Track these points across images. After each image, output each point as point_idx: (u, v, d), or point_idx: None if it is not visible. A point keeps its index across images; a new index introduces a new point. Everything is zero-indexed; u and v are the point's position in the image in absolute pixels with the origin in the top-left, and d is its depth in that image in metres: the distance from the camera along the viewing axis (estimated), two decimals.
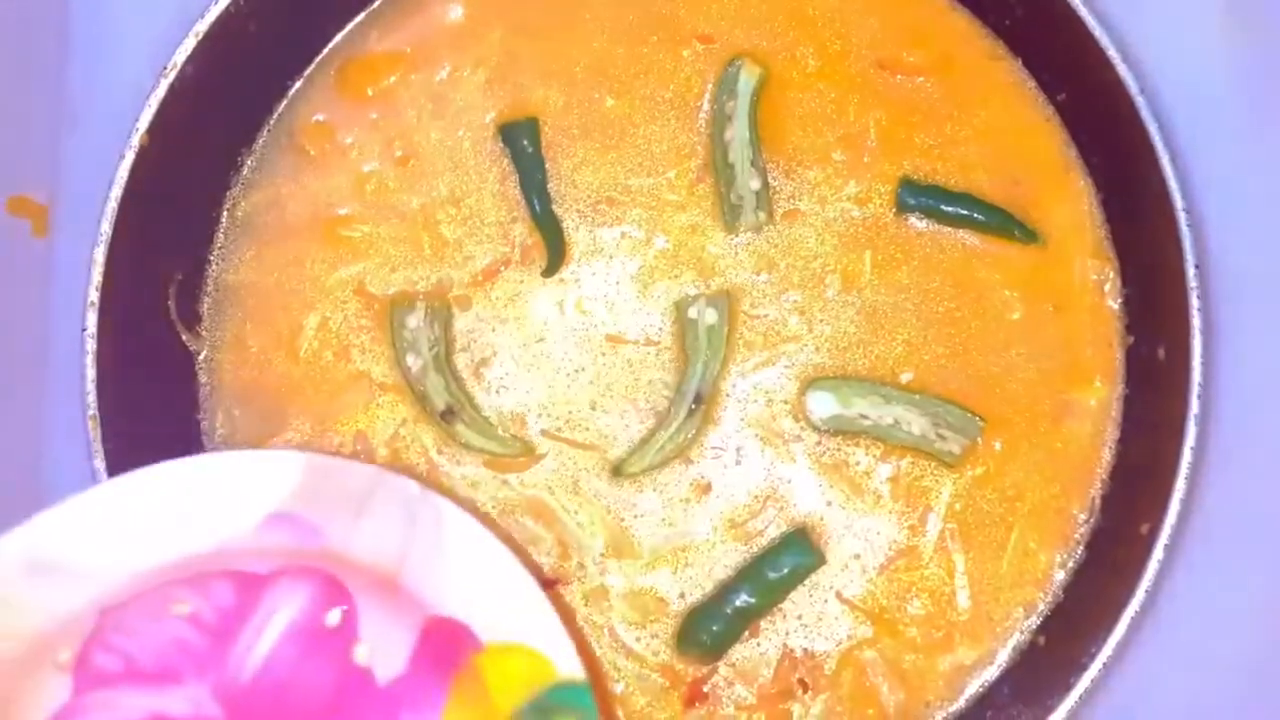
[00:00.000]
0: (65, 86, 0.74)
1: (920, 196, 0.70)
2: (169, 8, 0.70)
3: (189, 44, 0.67)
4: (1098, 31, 0.66)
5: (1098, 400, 0.69)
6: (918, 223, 0.71)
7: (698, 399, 0.69)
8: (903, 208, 0.70)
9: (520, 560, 0.60)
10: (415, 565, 0.60)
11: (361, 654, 0.60)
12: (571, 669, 0.59)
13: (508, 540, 0.61)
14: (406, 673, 0.60)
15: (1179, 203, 0.65)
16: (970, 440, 0.68)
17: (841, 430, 0.69)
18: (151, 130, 0.66)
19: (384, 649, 0.60)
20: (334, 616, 0.60)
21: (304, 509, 0.60)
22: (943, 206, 0.70)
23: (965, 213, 0.70)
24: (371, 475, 0.60)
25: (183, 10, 0.68)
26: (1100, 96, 0.67)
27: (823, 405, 0.69)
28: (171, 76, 0.66)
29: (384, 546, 0.60)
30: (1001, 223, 0.70)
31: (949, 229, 0.70)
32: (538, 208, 0.71)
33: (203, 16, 0.67)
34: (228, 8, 0.67)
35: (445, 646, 0.60)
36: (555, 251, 0.70)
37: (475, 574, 0.60)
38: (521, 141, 0.71)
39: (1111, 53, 0.66)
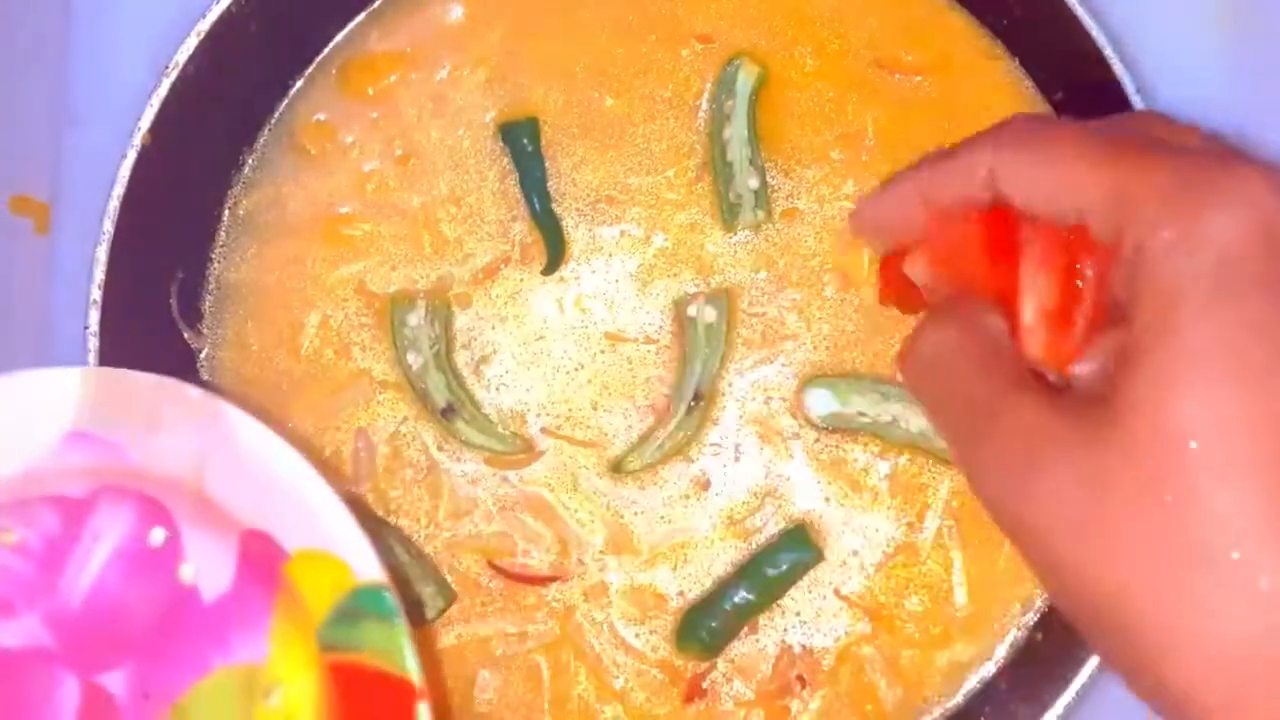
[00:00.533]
0: (67, 85, 0.74)
1: None
2: (170, 7, 0.70)
3: (190, 44, 0.67)
4: (1094, 31, 0.66)
5: None
6: None
7: (697, 397, 0.69)
8: None
9: (311, 464, 0.59)
10: (216, 477, 0.59)
11: (187, 573, 0.60)
12: (369, 572, 0.58)
13: (305, 450, 0.60)
14: (231, 589, 0.59)
15: None
16: None
17: (840, 428, 0.69)
18: (153, 129, 0.66)
19: (208, 567, 0.60)
20: (157, 536, 0.60)
21: (99, 426, 0.60)
22: None
23: None
24: (155, 383, 0.60)
25: (184, 10, 0.68)
26: (1097, 96, 0.67)
27: (821, 403, 0.69)
28: (173, 76, 0.67)
29: (182, 458, 0.60)
30: None
31: None
32: (537, 206, 0.71)
33: (204, 16, 0.67)
34: (229, 8, 0.67)
35: (262, 559, 0.59)
36: (555, 250, 0.71)
37: (269, 481, 0.59)
38: (521, 141, 0.71)
39: (1108, 52, 0.66)
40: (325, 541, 0.58)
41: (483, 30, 0.73)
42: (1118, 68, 0.66)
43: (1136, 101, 0.66)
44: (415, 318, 0.70)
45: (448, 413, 0.69)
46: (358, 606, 0.58)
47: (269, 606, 0.59)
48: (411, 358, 0.70)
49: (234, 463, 0.59)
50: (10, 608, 0.60)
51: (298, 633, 0.58)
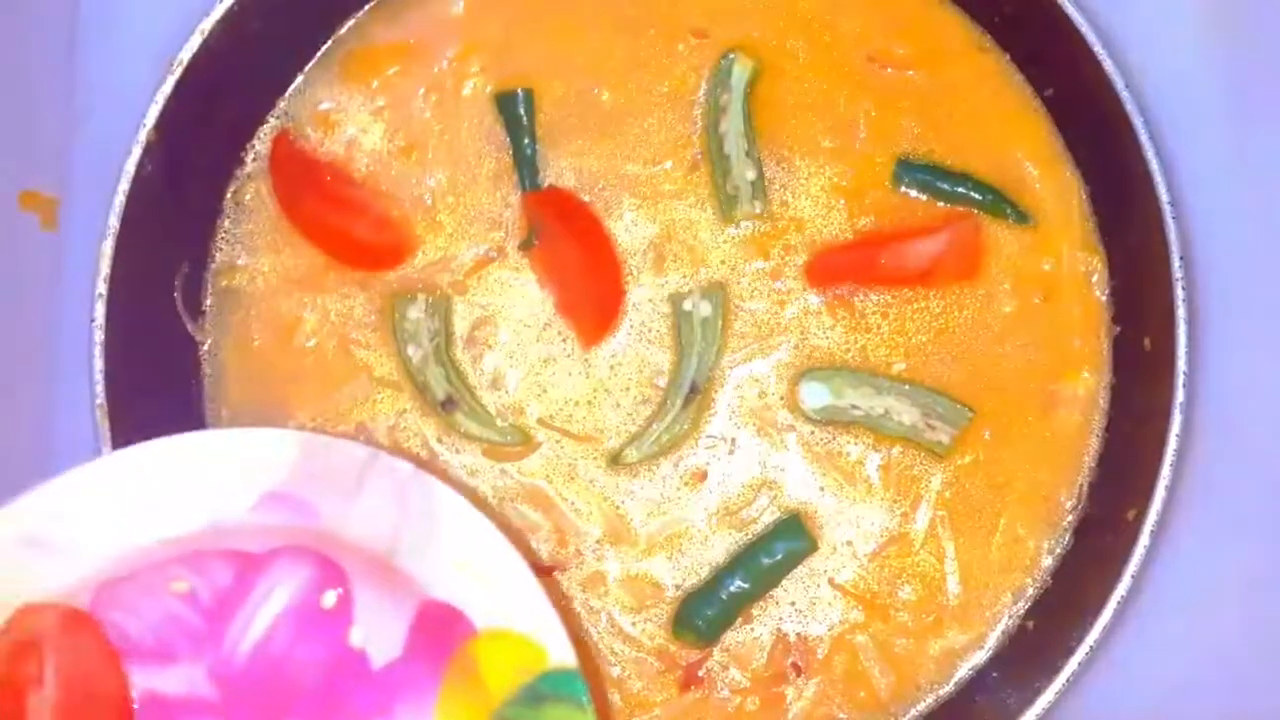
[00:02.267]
0: (74, 83, 0.75)
1: (916, 173, 0.71)
2: (175, 6, 0.70)
3: (194, 41, 0.67)
4: (1084, 28, 0.66)
5: (1085, 390, 0.70)
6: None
7: (693, 390, 0.70)
8: (898, 182, 0.71)
9: (514, 546, 0.60)
10: (409, 547, 0.60)
11: (357, 637, 0.61)
12: (563, 656, 0.59)
13: (503, 526, 0.61)
14: (401, 657, 0.60)
15: (1164, 196, 0.66)
16: (960, 431, 0.69)
17: (834, 420, 0.70)
18: (158, 125, 0.67)
19: (379, 632, 0.60)
20: (330, 598, 0.61)
21: (299, 488, 0.60)
22: (939, 183, 0.71)
23: (962, 190, 0.71)
24: (366, 455, 0.61)
25: (188, 8, 0.68)
26: (1087, 92, 0.67)
27: (815, 396, 0.70)
28: (178, 73, 0.67)
29: (378, 527, 0.60)
30: (995, 201, 0.71)
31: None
32: (527, 184, 0.72)
33: (208, 14, 0.68)
34: (232, 6, 0.68)
35: (439, 631, 0.60)
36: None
37: (468, 558, 0.60)
38: (516, 110, 0.72)
39: (1098, 49, 0.66)
40: (518, 622, 0.59)
41: (483, 23, 0.73)
42: (1107, 65, 0.66)
43: (1126, 97, 0.66)
44: (415, 311, 0.70)
45: (447, 405, 0.70)
46: (547, 688, 0.58)
47: (438, 678, 0.59)
48: (412, 351, 0.70)
49: (430, 536, 0.60)
50: (171, 655, 0.60)
51: (470, 708, 0.59)
